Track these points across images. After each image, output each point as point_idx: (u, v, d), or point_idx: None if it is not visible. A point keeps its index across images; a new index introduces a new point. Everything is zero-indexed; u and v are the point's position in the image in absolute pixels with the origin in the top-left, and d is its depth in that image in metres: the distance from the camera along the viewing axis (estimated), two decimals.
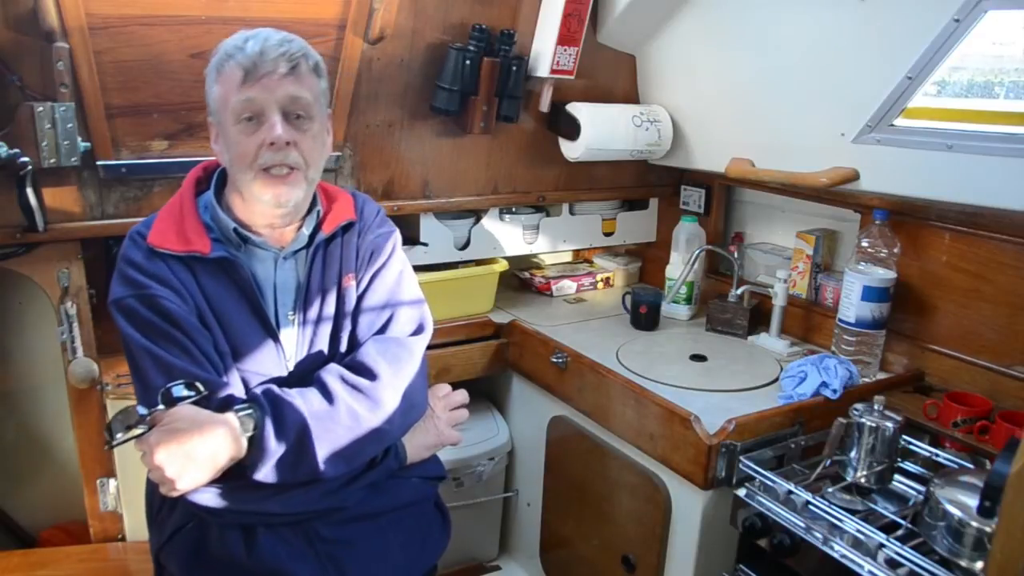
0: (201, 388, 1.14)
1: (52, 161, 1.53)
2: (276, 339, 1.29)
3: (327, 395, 1.24)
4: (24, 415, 2.05)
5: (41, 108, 1.50)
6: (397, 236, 1.45)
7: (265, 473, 1.18)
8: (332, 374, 1.27)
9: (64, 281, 1.65)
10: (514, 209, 2.27)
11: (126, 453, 1.71)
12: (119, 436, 1.11)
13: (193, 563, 1.28)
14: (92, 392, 1.69)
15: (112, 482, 1.74)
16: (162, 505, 1.32)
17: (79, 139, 1.55)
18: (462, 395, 1.53)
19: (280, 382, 1.27)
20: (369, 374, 1.28)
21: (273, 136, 1.21)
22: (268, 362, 1.28)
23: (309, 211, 1.34)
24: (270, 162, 1.22)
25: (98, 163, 1.62)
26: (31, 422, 2.05)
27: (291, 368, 1.30)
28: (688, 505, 1.60)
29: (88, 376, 1.66)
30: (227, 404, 1.18)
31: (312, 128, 1.26)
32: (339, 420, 1.22)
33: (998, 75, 1.73)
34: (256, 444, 1.17)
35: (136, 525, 1.76)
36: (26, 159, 1.49)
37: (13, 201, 1.54)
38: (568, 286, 2.44)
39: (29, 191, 1.53)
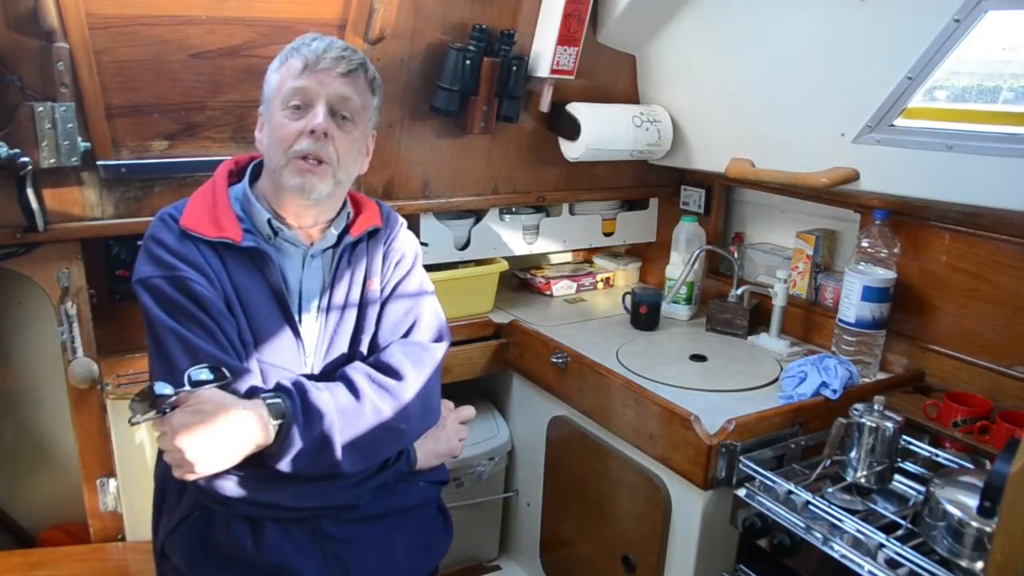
0: (226, 373, 1.14)
1: (52, 161, 1.53)
2: (298, 334, 1.30)
3: (354, 391, 1.25)
4: (24, 415, 2.05)
5: (41, 108, 1.50)
6: (419, 249, 1.49)
7: (286, 463, 1.18)
8: (359, 371, 1.28)
9: (64, 281, 1.65)
10: (514, 209, 2.27)
11: (127, 452, 1.72)
12: (140, 416, 1.09)
13: (198, 553, 1.28)
14: (92, 392, 1.69)
15: (112, 482, 1.74)
16: (171, 492, 1.32)
17: (79, 139, 1.55)
18: (469, 411, 1.54)
19: None
20: (395, 374, 1.30)
21: (314, 124, 1.24)
22: (288, 357, 1.29)
23: (339, 213, 1.37)
24: (305, 150, 1.25)
25: (98, 163, 1.62)
26: (31, 422, 2.05)
27: (311, 365, 1.32)
28: (688, 505, 1.60)
29: (88, 376, 1.66)
30: (252, 392, 1.19)
31: (353, 133, 1.30)
32: (364, 416, 1.24)
33: (1007, 80, 1.73)
34: (282, 433, 1.17)
35: (136, 525, 1.75)
36: (26, 159, 1.49)
37: (13, 201, 1.54)
38: (568, 286, 2.44)
39: (29, 191, 1.54)
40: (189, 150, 1.72)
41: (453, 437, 1.47)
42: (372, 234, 1.40)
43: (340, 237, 1.36)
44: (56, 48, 1.48)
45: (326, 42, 1.28)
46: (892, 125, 1.69)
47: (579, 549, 1.95)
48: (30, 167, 1.51)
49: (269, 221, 1.30)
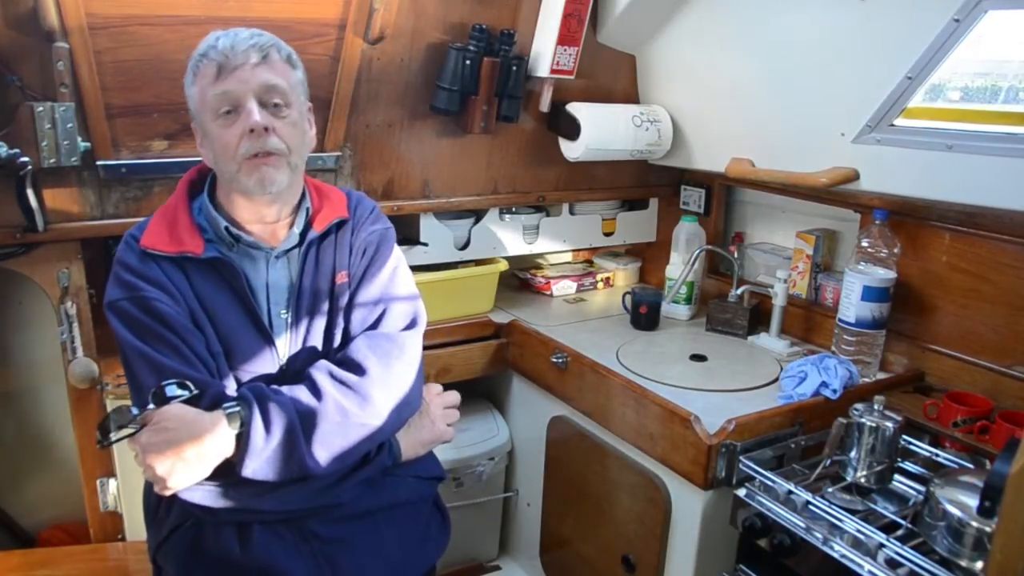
0: (192, 388, 1.15)
1: (52, 161, 1.53)
2: (269, 339, 1.29)
3: (315, 391, 1.24)
4: (24, 415, 2.05)
5: (41, 108, 1.50)
6: (391, 233, 1.45)
7: (254, 469, 1.18)
8: (321, 370, 1.27)
9: (64, 281, 1.65)
10: (514, 209, 2.27)
11: (126, 453, 1.72)
12: (111, 436, 1.12)
13: (190, 562, 1.28)
14: (92, 392, 1.69)
15: (112, 482, 1.74)
16: (159, 505, 1.33)
17: (79, 139, 1.55)
18: (454, 396, 1.53)
19: (273, 381, 1.27)
20: (358, 369, 1.28)
21: (251, 123, 1.21)
22: (261, 362, 1.28)
23: (298, 207, 1.35)
24: (251, 150, 1.23)
25: (98, 163, 1.62)
26: (31, 422, 2.05)
27: (284, 367, 1.31)
28: (688, 505, 1.60)
29: (88, 376, 1.66)
30: (216, 402, 1.19)
31: (290, 115, 1.27)
32: (327, 415, 1.22)
33: (1021, 79, 1.72)
34: (244, 441, 1.17)
35: (136, 525, 1.75)
36: (26, 159, 1.49)
37: (13, 201, 1.54)
38: (568, 286, 2.44)
39: (29, 191, 1.54)
40: (189, 150, 1.71)
41: (439, 423, 1.45)
42: (340, 225, 1.38)
43: (304, 234, 1.34)
44: (56, 48, 1.48)
45: (231, 36, 1.24)
46: (892, 125, 1.69)
47: (579, 549, 1.95)
48: (30, 167, 1.50)
49: (227, 229, 1.29)
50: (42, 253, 1.63)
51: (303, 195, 1.36)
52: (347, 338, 1.35)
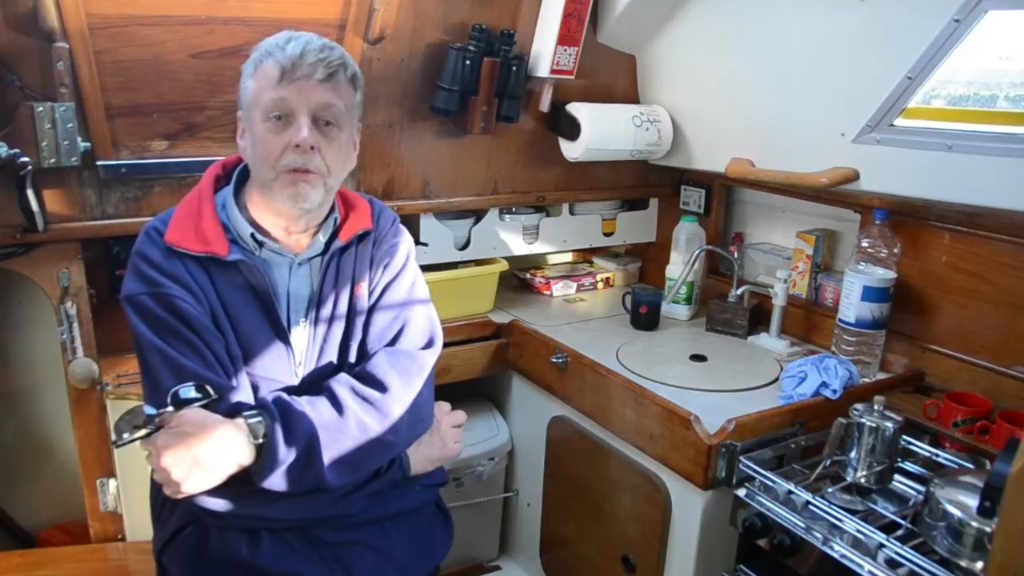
0: (211, 391, 1.14)
1: (52, 161, 1.53)
2: (288, 345, 1.28)
3: (337, 405, 1.23)
4: (24, 415, 2.05)
5: (41, 108, 1.50)
6: (411, 246, 1.45)
7: (271, 480, 1.17)
8: (342, 384, 1.27)
9: (64, 281, 1.65)
10: (514, 209, 2.27)
11: (127, 453, 1.72)
12: (126, 436, 1.11)
13: (195, 564, 1.28)
14: (92, 392, 1.69)
15: (112, 482, 1.74)
16: (164, 504, 1.32)
17: (79, 139, 1.55)
18: (462, 416, 1.52)
19: (289, 389, 1.27)
20: (380, 386, 1.28)
21: (299, 139, 1.20)
22: (278, 368, 1.27)
23: (326, 218, 1.34)
24: (292, 164, 1.21)
25: (98, 163, 1.62)
26: (31, 422, 2.05)
27: (301, 375, 1.30)
28: (688, 505, 1.60)
29: (88, 376, 1.66)
30: (236, 410, 1.18)
31: (339, 137, 1.26)
32: (348, 431, 1.22)
33: (1004, 89, 1.74)
34: (264, 451, 1.16)
35: (136, 525, 1.76)
36: (26, 159, 1.50)
37: (13, 201, 1.54)
38: (568, 286, 2.44)
39: (29, 191, 1.54)
40: (189, 150, 1.72)
41: (448, 441, 1.45)
42: (362, 237, 1.37)
43: (328, 243, 1.33)
44: (56, 48, 1.48)
45: (301, 44, 1.21)
46: (892, 125, 1.69)
47: (579, 549, 1.95)
48: (30, 167, 1.51)
49: (252, 235, 1.27)
50: (42, 253, 1.63)
51: (332, 206, 1.35)
52: (363, 351, 1.34)
